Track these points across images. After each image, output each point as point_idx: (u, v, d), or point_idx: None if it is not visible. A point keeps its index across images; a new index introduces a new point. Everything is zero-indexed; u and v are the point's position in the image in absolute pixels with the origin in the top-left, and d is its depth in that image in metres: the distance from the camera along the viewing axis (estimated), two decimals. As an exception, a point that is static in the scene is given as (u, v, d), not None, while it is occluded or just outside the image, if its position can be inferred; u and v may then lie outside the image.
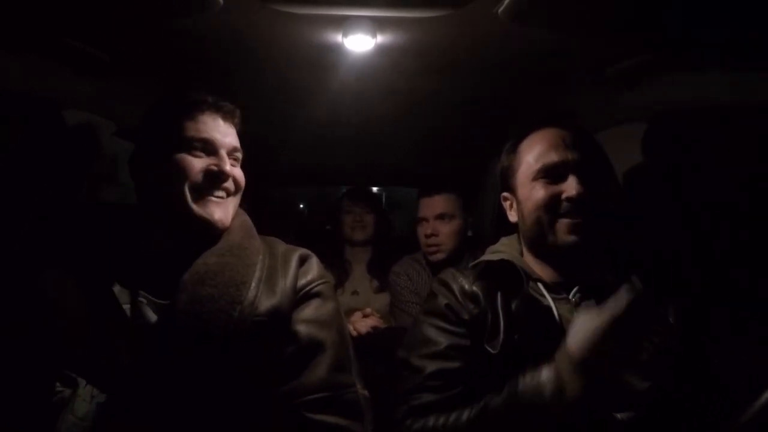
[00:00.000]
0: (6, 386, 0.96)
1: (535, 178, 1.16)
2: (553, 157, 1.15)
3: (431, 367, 1.11)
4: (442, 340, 1.13)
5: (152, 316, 0.99)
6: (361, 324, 1.99)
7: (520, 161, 1.22)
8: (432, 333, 1.16)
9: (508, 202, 1.28)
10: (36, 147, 1.39)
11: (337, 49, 1.29)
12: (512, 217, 1.26)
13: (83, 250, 1.07)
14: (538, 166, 1.16)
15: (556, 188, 1.13)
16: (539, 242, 1.17)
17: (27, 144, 1.37)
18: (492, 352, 1.09)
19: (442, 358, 1.11)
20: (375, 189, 3.79)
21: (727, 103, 1.30)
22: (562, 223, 1.13)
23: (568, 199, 1.11)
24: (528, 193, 1.17)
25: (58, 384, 0.97)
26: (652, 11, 1.05)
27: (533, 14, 1.06)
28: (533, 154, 1.18)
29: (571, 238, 1.12)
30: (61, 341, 0.97)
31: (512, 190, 1.25)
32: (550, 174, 1.15)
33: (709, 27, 1.00)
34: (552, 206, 1.13)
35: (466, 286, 1.19)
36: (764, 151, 1.39)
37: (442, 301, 1.19)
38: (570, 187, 1.11)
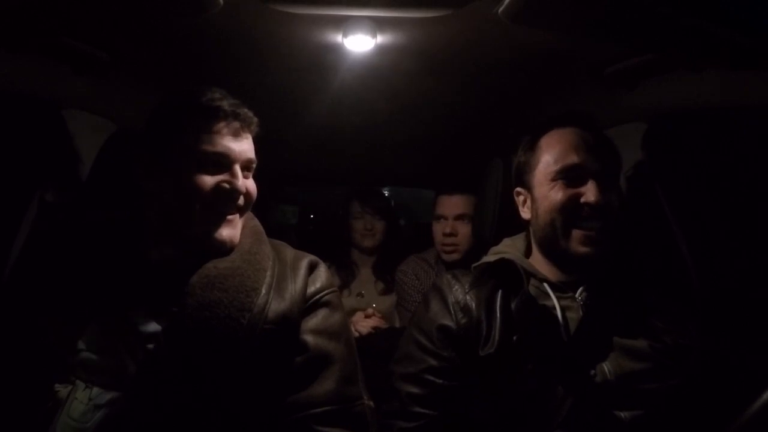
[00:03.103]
0: (4, 385, 0.96)
1: (554, 179, 1.14)
2: (574, 159, 1.13)
3: (406, 389, 1.13)
4: (422, 361, 1.15)
5: (158, 323, 0.97)
6: (363, 324, 1.99)
7: (538, 159, 1.19)
8: (414, 351, 1.17)
9: (521, 197, 1.26)
10: (36, 147, 1.38)
11: (337, 49, 1.29)
12: (524, 213, 1.25)
13: (84, 254, 1.06)
14: (557, 166, 1.14)
15: (574, 191, 1.12)
16: (550, 243, 1.16)
17: (27, 144, 1.37)
18: (489, 352, 1.09)
19: (417, 384, 1.13)
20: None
21: (726, 103, 1.30)
22: (578, 233, 1.11)
23: (587, 204, 1.10)
24: (546, 192, 1.15)
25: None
26: (652, 11, 1.05)
27: (533, 14, 1.06)
28: (553, 153, 1.16)
29: (584, 249, 1.11)
30: (62, 346, 0.96)
31: (527, 186, 1.23)
32: (570, 176, 1.13)
33: (710, 27, 1.00)
34: (569, 210, 1.11)
35: (460, 297, 1.18)
36: (764, 151, 1.39)
37: (431, 315, 1.19)
38: (590, 192, 1.10)
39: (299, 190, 3.36)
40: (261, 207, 1.18)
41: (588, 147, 1.14)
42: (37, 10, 1.03)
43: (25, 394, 0.96)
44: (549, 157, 1.17)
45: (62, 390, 0.95)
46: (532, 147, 1.22)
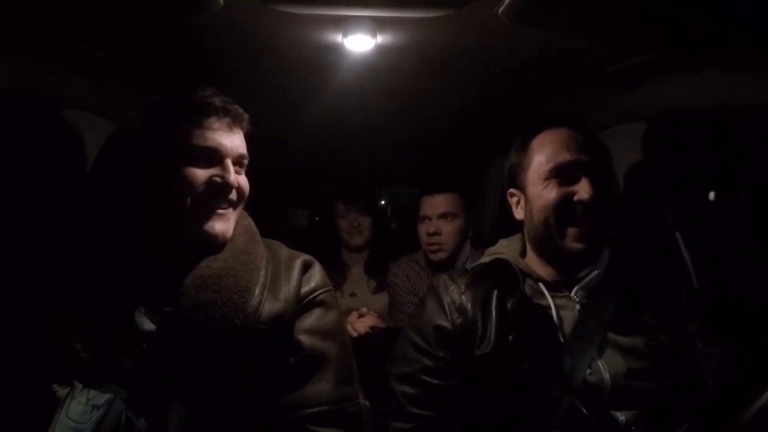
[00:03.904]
0: (1, 386, 0.96)
1: (547, 178, 1.15)
2: (567, 157, 1.13)
3: (401, 389, 1.14)
4: (417, 362, 1.15)
5: (153, 323, 0.97)
6: (359, 324, 1.99)
7: (530, 159, 1.20)
8: (410, 351, 1.18)
9: (514, 199, 1.26)
10: (36, 147, 1.39)
11: (337, 49, 1.29)
12: (518, 214, 1.26)
13: (83, 254, 1.05)
14: (550, 165, 1.15)
15: (568, 189, 1.12)
16: (544, 242, 1.17)
17: (27, 144, 1.37)
18: (485, 352, 1.09)
19: (413, 384, 1.14)
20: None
21: (727, 104, 1.30)
22: (572, 230, 1.12)
23: (581, 201, 1.10)
24: (539, 192, 1.16)
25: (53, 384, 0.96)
26: (652, 11, 1.05)
27: (533, 14, 1.06)
28: (545, 153, 1.17)
29: (579, 245, 1.12)
30: (60, 345, 0.96)
31: (520, 187, 1.23)
32: (563, 174, 1.14)
33: (710, 27, 1.00)
34: (563, 208, 1.12)
35: (456, 297, 1.19)
36: (764, 151, 1.40)
37: (427, 316, 1.19)
38: (583, 189, 1.11)
39: (311, 191, 3.43)
40: (260, 207, 1.18)
41: (579, 146, 1.15)
42: (37, 10, 1.03)
43: (24, 394, 0.96)
44: (541, 157, 1.17)
45: (60, 390, 0.95)
46: (524, 148, 1.23)
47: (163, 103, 1.06)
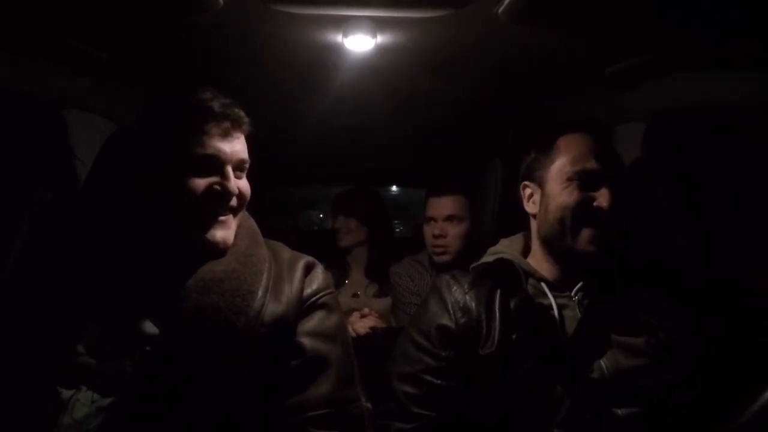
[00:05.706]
0: (6, 388, 0.96)
1: (570, 179, 1.16)
2: (593, 164, 1.15)
3: (403, 389, 1.14)
4: (419, 361, 1.15)
5: (155, 326, 0.97)
6: (360, 325, 1.99)
7: (554, 157, 1.20)
8: (412, 351, 1.18)
9: (527, 191, 1.26)
10: (36, 147, 1.38)
11: (337, 49, 1.29)
12: (529, 207, 1.26)
13: (83, 256, 1.05)
14: (576, 168, 1.16)
15: (588, 195, 1.14)
16: (555, 240, 1.17)
17: (27, 144, 1.37)
18: (490, 351, 1.10)
19: (414, 384, 1.14)
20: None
21: (727, 103, 1.30)
22: (587, 232, 1.13)
23: (599, 208, 1.12)
24: (559, 191, 1.16)
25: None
26: (652, 11, 1.05)
27: (533, 14, 1.06)
28: (571, 154, 1.18)
29: (591, 248, 1.13)
30: (62, 348, 0.96)
31: (538, 182, 1.23)
32: (585, 179, 1.15)
33: (710, 27, 1.00)
34: (580, 212, 1.13)
35: (459, 297, 1.19)
36: (764, 152, 1.40)
37: (430, 315, 1.19)
38: (603, 197, 1.12)
39: (322, 192, 3.49)
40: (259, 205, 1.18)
41: (605, 155, 1.17)
42: (37, 10, 1.03)
43: (29, 397, 0.96)
44: (566, 158, 1.18)
45: (65, 392, 0.95)
46: (549, 145, 1.23)
47: (160, 105, 1.04)
